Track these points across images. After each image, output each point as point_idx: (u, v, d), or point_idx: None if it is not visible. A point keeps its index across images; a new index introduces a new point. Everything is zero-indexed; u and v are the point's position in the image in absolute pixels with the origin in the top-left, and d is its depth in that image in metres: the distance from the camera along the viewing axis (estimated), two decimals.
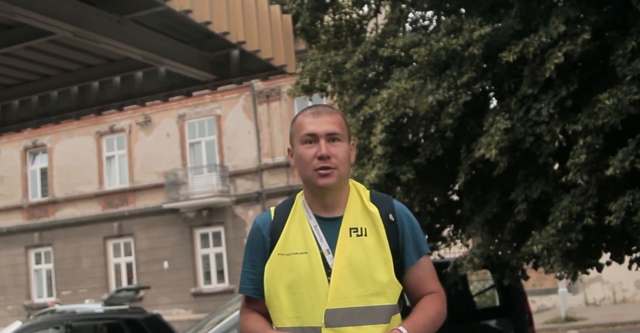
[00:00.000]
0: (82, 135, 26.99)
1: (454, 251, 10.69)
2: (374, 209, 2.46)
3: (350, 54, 8.41)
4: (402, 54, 8.00)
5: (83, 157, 27.32)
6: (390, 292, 2.40)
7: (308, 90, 9.26)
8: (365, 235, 2.42)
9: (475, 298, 9.87)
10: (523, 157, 7.05)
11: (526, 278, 8.08)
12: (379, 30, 8.75)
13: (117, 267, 26.90)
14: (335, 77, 8.66)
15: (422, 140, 7.76)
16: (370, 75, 8.32)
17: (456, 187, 8.26)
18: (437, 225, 8.87)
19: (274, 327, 2.44)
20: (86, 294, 25.63)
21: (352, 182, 2.55)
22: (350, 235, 2.41)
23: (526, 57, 6.61)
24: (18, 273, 28.14)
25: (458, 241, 9.10)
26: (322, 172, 2.40)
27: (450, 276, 8.16)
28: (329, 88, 9.14)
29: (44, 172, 28.68)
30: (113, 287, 25.91)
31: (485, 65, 7.18)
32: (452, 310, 8.05)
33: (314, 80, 8.89)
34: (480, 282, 12.54)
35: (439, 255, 9.11)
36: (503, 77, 7.18)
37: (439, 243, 8.98)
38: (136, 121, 26.41)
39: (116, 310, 13.16)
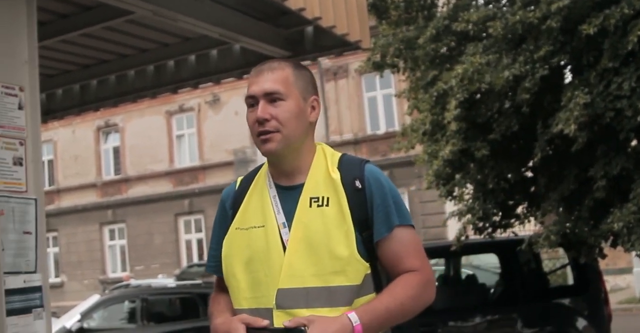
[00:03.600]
0: (153, 114, 27.42)
1: (528, 228, 10.53)
2: (336, 175, 2.13)
3: (423, 29, 8.30)
4: (476, 28, 7.87)
5: (154, 136, 27.77)
6: (351, 270, 2.04)
7: (379, 67, 9.20)
8: (327, 205, 2.09)
9: (548, 277, 9.73)
10: (602, 133, 6.88)
11: (603, 256, 7.94)
12: (451, 5, 8.61)
13: (188, 243, 27.38)
14: (407, 52, 8.56)
15: (497, 116, 7.64)
16: (443, 50, 8.21)
17: (531, 164, 8.13)
18: (511, 202, 8.74)
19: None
20: (158, 269, 26.16)
21: (322, 146, 2.25)
22: (311, 205, 2.10)
23: (607, 29, 6.43)
24: (93, 249, 28.90)
25: (532, 219, 8.96)
26: (262, 137, 2.12)
27: (524, 254, 8.06)
28: (401, 64, 9.05)
29: (116, 151, 29.28)
30: (184, 262, 26.41)
31: (563, 39, 7.00)
32: (525, 289, 8.02)
33: (385, 56, 8.82)
34: (551, 260, 12.39)
35: (512, 232, 8.99)
36: (582, 50, 7.00)
37: (513, 220, 8.86)
38: (205, 100, 26.71)
39: (189, 285, 13.42)
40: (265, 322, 2.00)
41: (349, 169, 2.15)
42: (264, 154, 2.15)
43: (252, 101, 2.17)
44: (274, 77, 2.14)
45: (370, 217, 2.10)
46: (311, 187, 2.13)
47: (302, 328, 1.90)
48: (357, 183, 2.12)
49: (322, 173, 2.16)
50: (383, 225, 2.10)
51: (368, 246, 2.10)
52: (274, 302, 2.02)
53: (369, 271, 2.09)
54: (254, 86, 2.16)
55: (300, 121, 2.15)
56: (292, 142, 2.14)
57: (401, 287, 2.07)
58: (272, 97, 2.12)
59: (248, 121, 2.17)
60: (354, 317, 1.96)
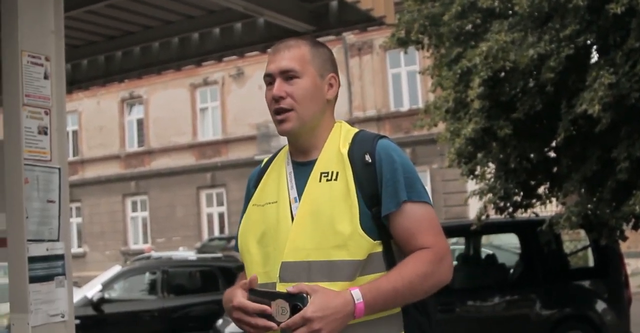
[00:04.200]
0: (177, 87, 27.51)
1: (549, 209, 10.49)
2: (345, 150, 2.11)
3: (448, 5, 8.23)
4: (502, 5, 7.80)
5: (177, 108, 27.89)
6: (353, 245, 1.99)
7: (403, 43, 9.14)
8: (335, 179, 2.07)
9: (569, 258, 9.71)
10: (627, 113, 6.81)
11: (624, 239, 7.90)
12: None
13: (210, 217, 27.59)
14: (432, 29, 8.50)
15: (521, 95, 7.58)
16: (468, 27, 8.14)
17: (554, 144, 8.09)
18: (533, 182, 8.71)
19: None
20: (179, 242, 26.41)
21: (341, 123, 2.24)
22: (320, 180, 2.09)
23: (635, 8, 6.34)
24: (116, 220, 29.20)
25: (554, 199, 8.92)
26: (278, 117, 2.13)
27: (545, 234, 8.05)
28: (425, 41, 8.99)
29: (140, 123, 29.49)
30: (205, 236, 26.63)
31: (589, 18, 6.92)
32: (545, 270, 8.00)
33: (410, 32, 8.77)
34: (572, 242, 12.33)
35: (533, 212, 8.96)
36: (608, 29, 6.91)
37: (534, 200, 8.83)
38: (229, 73, 26.74)
39: (210, 258, 13.58)
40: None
41: (361, 144, 2.12)
42: (280, 133, 2.16)
43: (269, 79, 2.17)
44: (290, 55, 2.14)
45: (379, 192, 2.06)
46: (323, 162, 2.13)
47: (305, 295, 1.89)
48: (367, 158, 2.09)
49: (335, 148, 2.14)
50: (391, 200, 2.05)
51: (378, 222, 2.06)
52: (278, 275, 2.02)
53: (377, 249, 2.05)
54: (271, 64, 2.16)
55: (316, 99, 2.15)
56: (308, 120, 2.14)
57: (411, 264, 2.01)
58: (287, 75, 2.13)
59: (266, 99, 2.17)
60: (357, 293, 1.92)
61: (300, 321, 1.87)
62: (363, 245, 2.01)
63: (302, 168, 2.16)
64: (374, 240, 2.04)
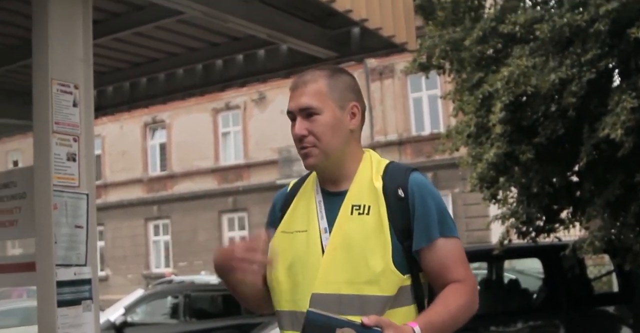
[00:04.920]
0: (199, 111, 27.69)
1: (572, 234, 10.42)
2: (379, 184, 2.13)
3: (469, 30, 8.28)
4: (523, 30, 7.83)
5: (200, 133, 28.06)
6: (384, 281, 2.03)
7: (425, 68, 9.19)
8: (368, 213, 2.10)
9: (593, 283, 9.62)
10: None
11: None
12: (498, 6, 8.58)
13: (232, 241, 27.54)
14: (453, 54, 8.55)
15: (543, 119, 7.59)
16: (489, 52, 8.18)
17: (577, 168, 8.07)
18: (555, 207, 8.67)
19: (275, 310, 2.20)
20: (201, 266, 26.39)
21: (370, 153, 2.26)
22: (352, 213, 2.11)
23: None
24: (138, 244, 29.30)
25: (577, 224, 8.87)
26: (302, 152, 2.17)
27: (568, 259, 7.99)
28: (447, 65, 9.04)
29: (162, 147, 29.67)
30: None
31: (611, 42, 6.94)
32: (569, 295, 7.91)
33: (432, 57, 8.82)
34: (596, 266, 12.23)
35: (556, 237, 8.91)
36: (630, 54, 6.92)
37: (557, 225, 8.78)
38: (251, 98, 26.90)
39: None
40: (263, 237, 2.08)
41: (393, 177, 2.15)
42: (306, 168, 2.21)
43: (291, 116, 2.21)
44: (307, 91, 2.18)
45: (411, 227, 2.10)
46: (354, 194, 2.15)
47: (379, 329, 1.89)
48: (400, 192, 2.12)
49: (367, 181, 2.16)
50: (423, 236, 2.10)
51: (409, 256, 2.10)
52: (308, 306, 2.02)
53: (406, 283, 2.09)
54: (291, 102, 2.21)
55: (338, 131, 2.17)
56: (332, 154, 2.16)
57: (452, 297, 2.07)
58: (307, 112, 2.16)
59: (292, 135, 2.21)
60: (418, 330, 1.96)
61: None
62: (394, 281, 2.05)
63: (332, 198, 2.19)
64: (404, 274, 2.08)
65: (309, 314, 1.94)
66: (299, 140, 2.17)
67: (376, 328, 1.89)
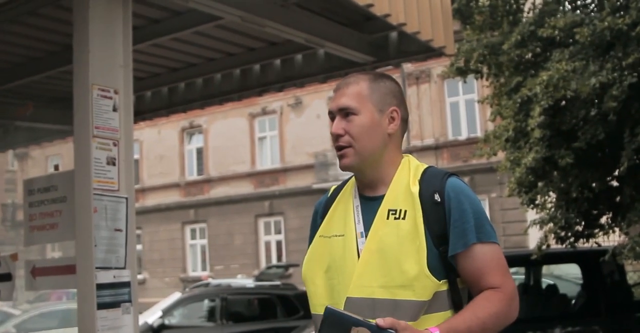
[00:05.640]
0: (236, 116, 27.83)
1: (612, 239, 10.27)
2: (415, 188, 2.12)
3: (507, 34, 8.23)
4: (562, 34, 7.75)
5: (236, 137, 28.19)
6: (418, 286, 2.01)
7: (462, 72, 9.14)
8: (403, 218, 2.09)
9: (633, 289, 9.46)
10: None
11: None
12: (537, 10, 8.50)
13: (268, 245, 27.68)
14: (491, 58, 8.49)
15: (582, 124, 7.50)
16: (527, 56, 8.11)
17: (617, 173, 7.96)
18: (595, 212, 8.56)
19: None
20: (238, 270, 26.53)
21: (408, 158, 2.25)
22: (388, 218, 2.10)
23: None
24: (175, 248, 29.52)
25: (616, 229, 8.75)
26: (338, 153, 2.19)
27: (607, 265, 7.88)
28: (485, 70, 8.98)
29: (199, 152, 29.85)
30: (263, 263, 26.69)
31: None
32: (608, 301, 7.79)
33: (469, 61, 8.77)
34: (636, 272, 12.04)
35: (595, 242, 8.79)
36: None
37: (596, 230, 8.67)
38: (287, 103, 26.97)
39: (268, 286, 13.61)
40: None
41: (430, 182, 2.14)
42: (341, 168, 2.22)
43: (332, 115, 2.24)
44: (348, 92, 2.20)
45: (447, 232, 2.08)
46: (391, 199, 2.15)
47: (392, 331, 1.88)
48: (437, 197, 2.11)
49: (403, 185, 2.16)
50: (458, 241, 2.08)
51: (445, 261, 2.08)
52: (342, 309, 2.01)
53: (443, 288, 2.07)
54: (332, 102, 2.23)
55: (375, 134, 2.18)
56: (367, 156, 2.17)
57: (483, 304, 2.04)
58: (345, 112, 2.18)
59: (330, 134, 2.24)
60: None
61: None
62: (429, 286, 2.03)
63: (369, 203, 2.19)
64: (440, 279, 2.06)
65: (327, 310, 1.94)
66: (335, 139, 2.19)
67: (390, 330, 1.88)
